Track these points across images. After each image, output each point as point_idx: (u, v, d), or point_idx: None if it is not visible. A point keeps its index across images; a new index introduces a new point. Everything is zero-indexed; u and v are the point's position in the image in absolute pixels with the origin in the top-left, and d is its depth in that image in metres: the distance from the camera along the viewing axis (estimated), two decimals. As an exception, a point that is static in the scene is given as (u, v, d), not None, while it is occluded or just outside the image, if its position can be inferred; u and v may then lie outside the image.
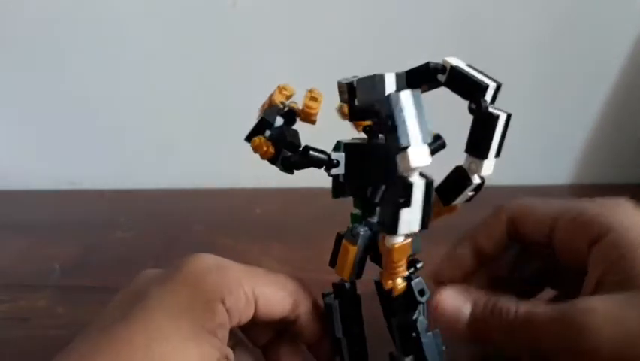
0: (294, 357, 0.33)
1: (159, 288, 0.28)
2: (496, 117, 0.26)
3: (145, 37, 0.65)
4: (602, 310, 0.26)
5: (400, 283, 0.28)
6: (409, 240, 0.26)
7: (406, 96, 0.24)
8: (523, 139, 0.69)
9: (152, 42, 0.66)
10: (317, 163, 0.27)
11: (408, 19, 0.64)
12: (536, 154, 0.69)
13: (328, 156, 0.28)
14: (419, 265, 0.30)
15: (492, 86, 0.26)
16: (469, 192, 0.29)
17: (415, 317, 0.29)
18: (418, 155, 0.24)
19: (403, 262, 0.27)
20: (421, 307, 0.29)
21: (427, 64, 0.27)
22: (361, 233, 0.29)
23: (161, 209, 0.66)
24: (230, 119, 0.72)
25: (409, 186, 0.24)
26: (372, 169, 0.28)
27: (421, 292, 0.29)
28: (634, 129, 0.68)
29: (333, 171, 0.28)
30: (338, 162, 0.28)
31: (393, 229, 0.25)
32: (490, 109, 0.27)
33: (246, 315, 0.29)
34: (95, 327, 0.27)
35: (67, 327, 0.28)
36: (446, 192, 0.29)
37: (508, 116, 0.27)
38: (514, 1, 0.63)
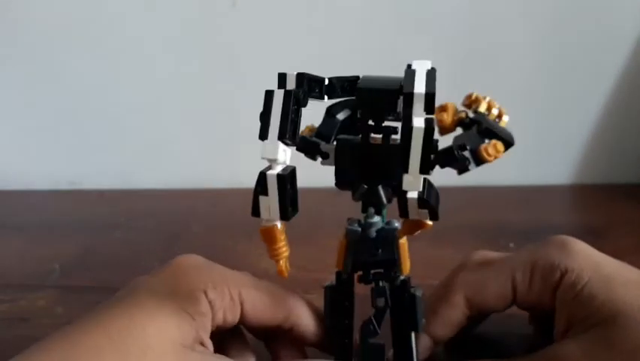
0: (295, 352, 0.33)
1: (147, 279, 0.30)
2: (409, 128, 0.24)
3: (144, 38, 0.65)
4: (572, 356, 0.28)
5: (282, 264, 0.29)
6: (274, 225, 0.27)
7: (278, 94, 0.26)
8: (523, 139, 0.69)
9: (151, 42, 0.66)
10: (308, 151, 0.29)
11: (409, 18, 0.64)
12: (536, 154, 0.69)
13: (318, 146, 0.29)
14: (398, 277, 0.30)
15: (417, 94, 0.24)
16: (420, 210, 0.27)
17: (366, 320, 0.31)
18: (268, 148, 0.26)
19: (277, 247, 0.28)
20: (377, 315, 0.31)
21: (408, 66, 0.27)
22: (348, 228, 0.30)
23: (161, 209, 0.66)
24: (230, 119, 0.72)
25: (261, 176, 0.26)
26: (360, 167, 0.28)
27: (380, 300, 0.30)
28: (634, 129, 0.68)
29: (323, 162, 0.29)
30: (327, 154, 0.28)
31: (254, 212, 0.27)
32: (416, 119, 0.24)
33: (232, 315, 0.30)
34: (86, 315, 0.28)
35: (67, 327, 0.29)
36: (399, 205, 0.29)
37: (427, 130, 0.24)
38: (514, 1, 0.63)
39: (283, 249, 0.28)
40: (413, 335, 0.31)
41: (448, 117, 0.29)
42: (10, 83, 0.68)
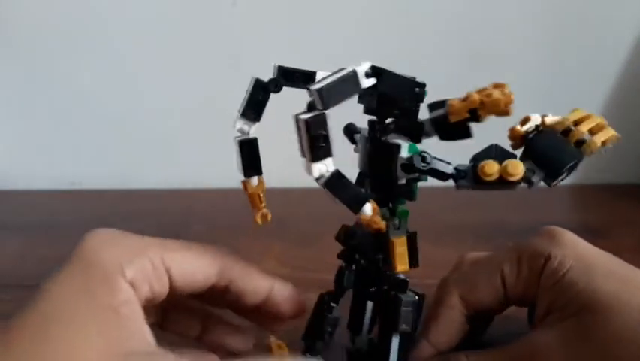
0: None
1: (55, 276, 0.26)
2: (295, 118, 0.27)
3: (145, 38, 0.65)
4: (544, 350, 0.28)
5: (257, 215, 0.32)
6: (247, 180, 0.32)
7: (252, 81, 0.31)
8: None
9: (152, 42, 0.66)
10: (348, 136, 0.33)
11: (409, 16, 0.64)
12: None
13: (353, 134, 0.32)
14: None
15: (312, 89, 0.26)
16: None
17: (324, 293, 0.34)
18: (235, 120, 0.31)
19: (251, 198, 0.32)
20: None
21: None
22: None
23: (161, 209, 0.66)
24: (231, 119, 0.72)
25: (234, 139, 0.31)
26: (366, 159, 0.30)
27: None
28: (634, 129, 0.68)
29: (355, 150, 0.32)
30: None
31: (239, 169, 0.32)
32: (308, 113, 0.26)
33: (160, 284, 0.27)
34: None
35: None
36: None
37: (307, 122, 0.26)
38: (514, 3, 0.63)
39: (257, 201, 0.32)
40: (398, 338, 0.31)
41: (519, 130, 0.29)
42: (10, 83, 0.69)
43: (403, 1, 0.63)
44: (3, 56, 0.67)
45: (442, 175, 0.28)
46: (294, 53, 0.63)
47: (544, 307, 0.30)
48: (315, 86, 0.26)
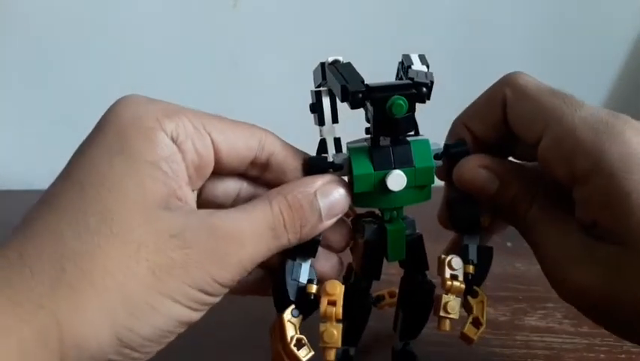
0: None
1: (85, 142, 0.25)
2: None
3: (146, 38, 0.66)
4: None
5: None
6: None
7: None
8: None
9: (152, 43, 0.66)
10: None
11: (409, 15, 0.64)
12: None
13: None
14: None
15: None
16: None
17: None
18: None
19: None
20: None
21: None
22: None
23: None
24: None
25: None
26: None
27: None
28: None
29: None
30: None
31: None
32: None
33: (203, 145, 0.25)
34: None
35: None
36: None
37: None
38: (512, 2, 0.63)
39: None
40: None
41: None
42: (10, 83, 0.69)
43: (405, 5, 0.63)
44: (3, 56, 0.67)
45: None
46: (296, 55, 0.64)
47: (589, 218, 0.26)
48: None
